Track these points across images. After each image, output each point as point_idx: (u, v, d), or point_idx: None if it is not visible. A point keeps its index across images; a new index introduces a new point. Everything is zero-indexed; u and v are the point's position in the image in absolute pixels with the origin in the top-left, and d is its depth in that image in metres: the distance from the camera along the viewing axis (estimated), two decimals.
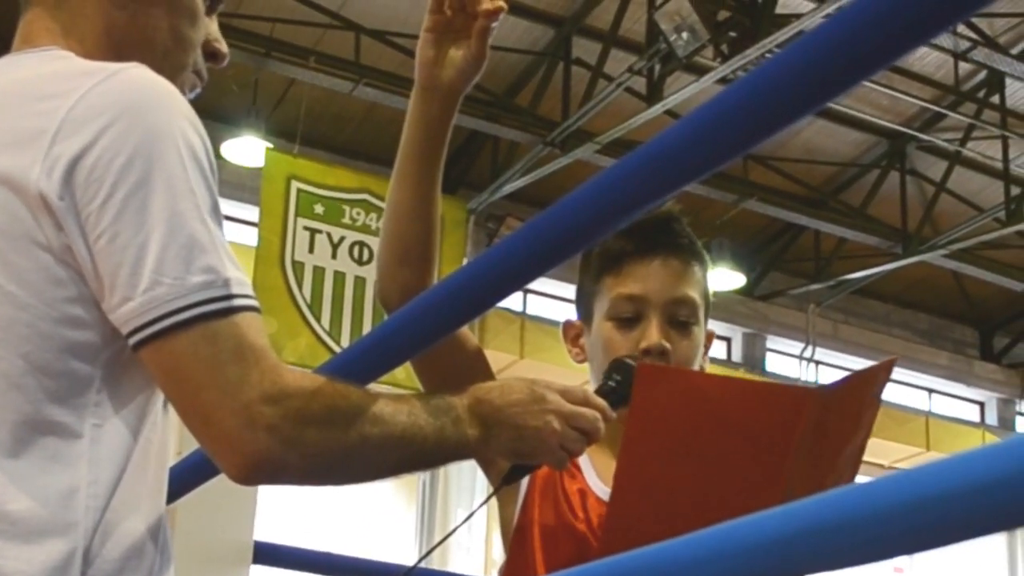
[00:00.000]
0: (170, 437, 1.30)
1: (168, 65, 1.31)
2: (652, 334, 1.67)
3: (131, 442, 1.21)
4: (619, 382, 1.53)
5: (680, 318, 1.70)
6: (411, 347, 1.54)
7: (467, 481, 10.08)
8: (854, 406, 1.46)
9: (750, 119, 0.99)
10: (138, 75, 1.20)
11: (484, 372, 1.65)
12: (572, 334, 1.80)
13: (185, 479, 2.13)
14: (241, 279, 1.19)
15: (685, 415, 1.43)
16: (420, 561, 1.79)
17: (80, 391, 1.18)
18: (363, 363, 1.57)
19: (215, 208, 1.21)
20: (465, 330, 1.64)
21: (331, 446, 1.20)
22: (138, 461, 1.22)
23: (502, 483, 1.50)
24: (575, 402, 1.39)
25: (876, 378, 1.47)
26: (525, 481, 1.65)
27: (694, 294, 1.72)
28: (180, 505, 2.39)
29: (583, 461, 1.68)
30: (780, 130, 1.00)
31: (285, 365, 1.20)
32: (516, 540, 1.66)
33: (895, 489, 0.79)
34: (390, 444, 1.24)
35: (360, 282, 8.51)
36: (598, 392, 1.48)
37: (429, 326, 1.47)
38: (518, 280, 1.36)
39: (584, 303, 1.78)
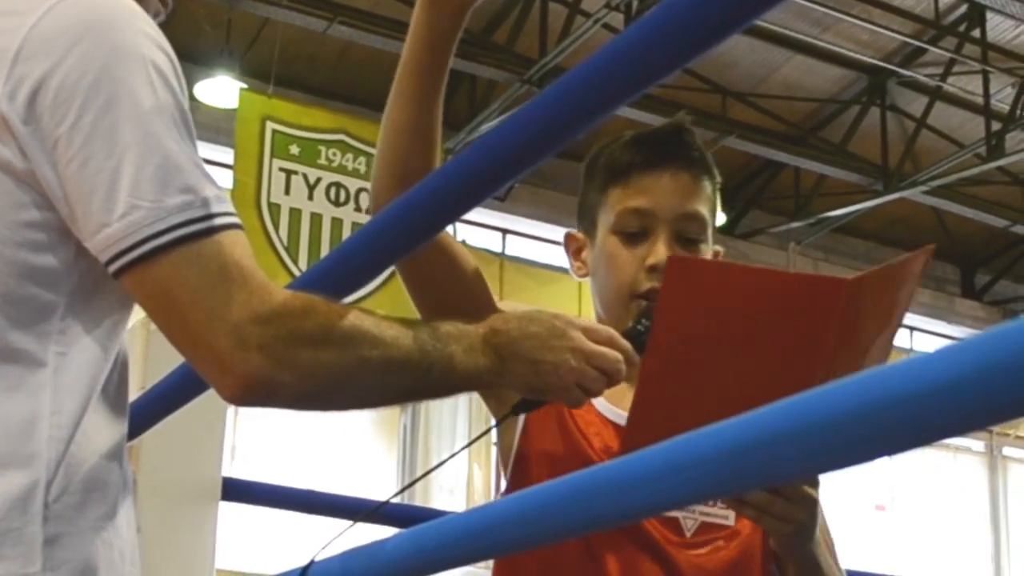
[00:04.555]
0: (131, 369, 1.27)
1: None
2: (659, 250, 1.59)
3: (96, 372, 1.18)
4: (648, 327, 1.43)
5: (689, 235, 1.62)
6: (378, 260, 1.50)
7: (448, 424, 10.08)
8: (889, 295, 1.38)
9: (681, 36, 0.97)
10: None
11: (485, 296, 1.58)
12: (574, 247, 1.71)
13: (148, 413, 2.09)
14: (221, 196, 1.15)
15: (716, 309, 1.33)
16: (397, 495, 1.74)
17: (44, 318, 1.15)
18: (330, 280, 1.54)
19: (188, 126, 1.17)
20: (462, 251, 1.58)
21: (327, 367, 1.16)
22: (102, 392, 1.19)
23: (508, 415, 1.45)
24: (599, 341, 1.34)
25: (914, 266, 1.38)
26: None
27: (704, 210, 1.64)
28: (144, 440, 2.36)
29: None
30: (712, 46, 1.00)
31: (274, 284, 1.16)
32: (518, 466, 1.61)
33: (858, 390, 0.77)
34: (392, 368, 1.20)
35: (337, 223, 8.45)
36: (625, 334, 1.40)
37: (397, 237, 1.43)
38: (473, 197, 1.33)
39: (588, 215, 1.69)
